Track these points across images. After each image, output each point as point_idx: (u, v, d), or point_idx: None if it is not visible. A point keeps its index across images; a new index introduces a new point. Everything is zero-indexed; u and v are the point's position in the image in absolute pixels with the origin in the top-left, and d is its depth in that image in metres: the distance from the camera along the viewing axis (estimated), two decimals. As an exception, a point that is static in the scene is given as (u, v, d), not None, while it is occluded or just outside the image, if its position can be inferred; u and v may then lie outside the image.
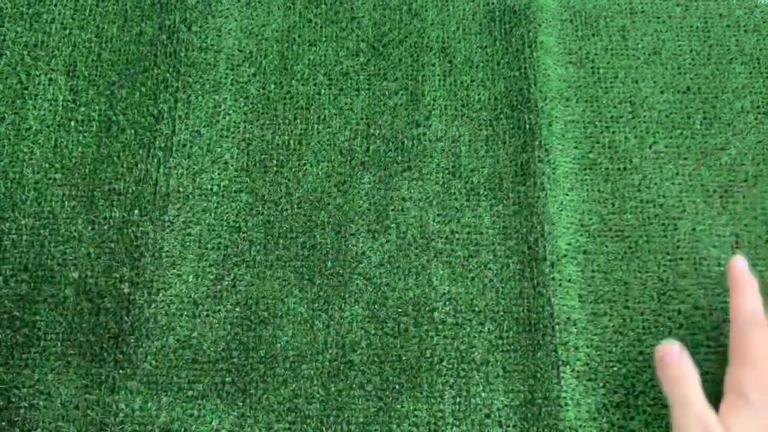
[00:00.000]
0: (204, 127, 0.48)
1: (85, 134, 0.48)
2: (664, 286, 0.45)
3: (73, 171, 0.47)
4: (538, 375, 0.42)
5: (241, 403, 0.42)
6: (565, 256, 0.45)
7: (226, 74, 0.50)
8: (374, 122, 0.49)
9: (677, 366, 0.39)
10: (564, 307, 0.44)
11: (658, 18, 0.54)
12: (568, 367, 0.43)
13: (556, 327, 0.43)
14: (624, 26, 0.54)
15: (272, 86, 0.50)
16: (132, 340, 0.43)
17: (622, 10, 0.54)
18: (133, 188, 0.46)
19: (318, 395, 0.42)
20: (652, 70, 0.52)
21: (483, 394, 0.42)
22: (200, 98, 0.49)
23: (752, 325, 0.39)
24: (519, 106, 0.50)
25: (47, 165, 0.47)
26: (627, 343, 0.43)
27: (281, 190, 0.47)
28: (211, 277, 0.45)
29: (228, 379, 0.42)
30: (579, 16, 0.54)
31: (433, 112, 0.49)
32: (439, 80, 0.50)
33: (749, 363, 0.38)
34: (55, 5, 0.51)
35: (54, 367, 0.42)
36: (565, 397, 0.42)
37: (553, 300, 0.44)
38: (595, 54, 0.53)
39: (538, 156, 0.48)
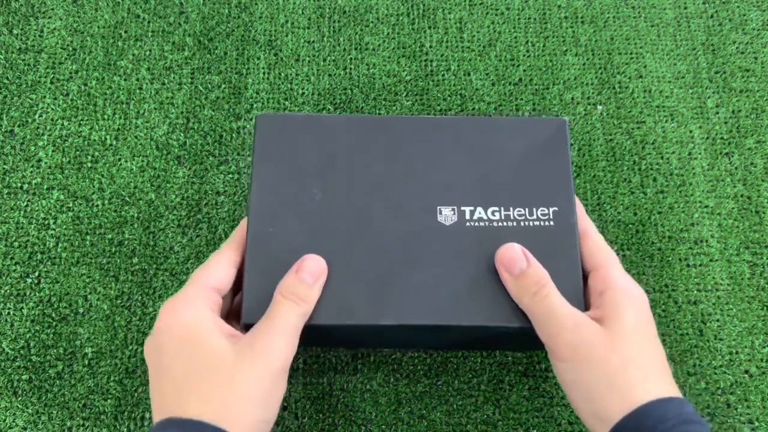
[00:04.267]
0: (18, 126, 0.48)
1: None
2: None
3: None
4: (339, 367, 0.42)
5: (36, 401, 0.41)
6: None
7: (46, 73, 0.49)
8: (194, 116, 0.49)
9: (531, 271, 0.34)
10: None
11: (496, 10, 0.54)
12: (368, 358, 0.42)
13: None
14: (461, 18, 0.54)
15: (93, 82, 0.49)
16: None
17: (461, 2, 0.54)
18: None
19: (114, 391, 0.41)
20: (485, 63, 0.52)
21: (281, 387, 0.42)
22: (16, 98, 0.48)
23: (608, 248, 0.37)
24: (342, 104, 0.50)
25: None
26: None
27: (94, 186, 0.46)
28: (16, 275, 0.44)
29: (25, 377, 0.42)
30: (416, 9, 0.54)
31: (255, 105, 0.49)
32: (264, 73, 0.50)
33: (619, 266, 0.36)
34: None
35: None
36: (362, 388, 0.42)
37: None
38: (430, 47, 0.53)
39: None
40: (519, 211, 0.36)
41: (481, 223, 0.36)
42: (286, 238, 0.35)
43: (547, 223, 0.36)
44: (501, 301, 0.34)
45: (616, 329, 0.32)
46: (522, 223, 0.36)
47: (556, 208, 0.36)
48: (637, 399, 0.31)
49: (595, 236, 0.37)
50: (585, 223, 0.37)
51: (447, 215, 0.36)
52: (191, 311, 0.32)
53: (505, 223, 0.36)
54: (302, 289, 0.33)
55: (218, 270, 0.34)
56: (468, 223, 0.36)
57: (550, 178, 0.37)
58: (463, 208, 0.36)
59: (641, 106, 0.50)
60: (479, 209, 0.36)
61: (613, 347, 0.32)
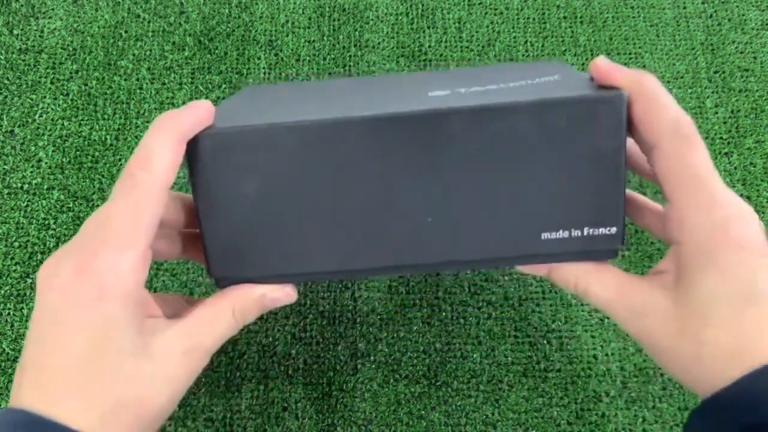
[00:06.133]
0: (18, 126, 0.48)
1: None
2: (474, 276, 0.45)
3: None
4: (338, 367, 0.42)
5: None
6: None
7: (47, 73, 0.49)
8: (194, 117, 0.49)
9: (556, 278, 0.30)
10: (369, 299, 0.44)
11: (495, 10, 0.54)
12: (367, 358, 0.43)
13: (358, 319, 0.43)
14: (460, 18, 0.54)
15: (94, 82, 0.49)
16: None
17: (460, 2, 0.54)
18: (-55, 187, 0.46)
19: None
20: (484, 63, 0.52)
21: (281, 387, 0.42)
22: (16, 98, 0.49)
23: (690, 138, 0.26)
24: (341, 99, 0.50)
25: None
26: (433, 334, 0.44)
27: (94, 186, 0.46)
28: (16, 275, 0.44)
29: (25, 377, 0.42)
30: (415, 8, 0.54)
31: (254, 106, 0.49)
32: (264, 73, 0.50)
33: (706, 197, 0.25)
34: None
35: None
36: (361, 389, 0.42)
37: (356, 293, 0.44)
38: (429, 47, 0.53)
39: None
40: (520, 82, 0.33)
41: (478, 91, 0.32)
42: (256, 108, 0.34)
43: (552, 78, 0.33)
44: (507, 95, 0.30)
45: (690, 296, 0.25)
46: (523, 83, 0.33)
47: (558, 75, 0.34)
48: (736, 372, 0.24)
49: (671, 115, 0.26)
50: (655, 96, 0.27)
51: (439, 93, 0.32)
52: (118, 300, 0.25)
53: (505, 86, 0.33)
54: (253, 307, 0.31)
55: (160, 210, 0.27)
56: (463, 93, 0.32)
57: (550, 67, 0.37)
58: (457, 89, 0.33)
59: (640, 107, 0.50)
60: (475, 87, 0.33)
61: (682, 329, 0.25)
